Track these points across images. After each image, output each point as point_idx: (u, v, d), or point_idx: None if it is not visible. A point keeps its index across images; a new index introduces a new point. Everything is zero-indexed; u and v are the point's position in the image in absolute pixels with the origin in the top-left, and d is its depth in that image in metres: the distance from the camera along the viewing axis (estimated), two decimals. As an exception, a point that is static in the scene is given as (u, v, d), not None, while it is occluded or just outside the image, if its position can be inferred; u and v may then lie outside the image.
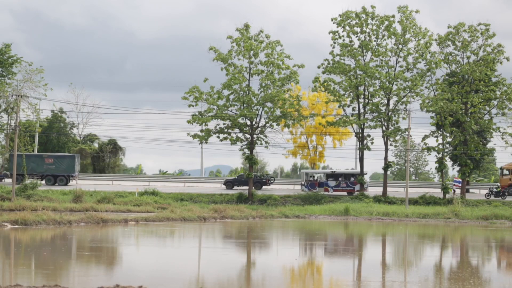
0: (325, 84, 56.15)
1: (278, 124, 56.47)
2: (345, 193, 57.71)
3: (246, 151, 55.92)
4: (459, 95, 55.26)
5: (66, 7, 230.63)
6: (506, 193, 57.73)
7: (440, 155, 57.04)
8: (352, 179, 58.63)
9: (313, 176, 60.42)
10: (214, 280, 21.88)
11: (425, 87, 56.22)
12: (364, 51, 55.92)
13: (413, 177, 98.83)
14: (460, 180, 58.79)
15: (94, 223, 38.72)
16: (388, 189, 58.03)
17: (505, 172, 61.27)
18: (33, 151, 65.73)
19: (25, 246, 30.20)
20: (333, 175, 59.41)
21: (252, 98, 54.31)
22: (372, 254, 31.31)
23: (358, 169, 59.55)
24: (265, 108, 54.77)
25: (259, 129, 55.64)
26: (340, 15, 55.85)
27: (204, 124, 54.37)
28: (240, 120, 54.96)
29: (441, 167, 57.22)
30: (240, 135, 55.59)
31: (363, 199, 53.75)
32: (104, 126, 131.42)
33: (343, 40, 56.21)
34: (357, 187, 57.45)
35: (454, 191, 60.95)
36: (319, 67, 56.62)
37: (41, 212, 40.03)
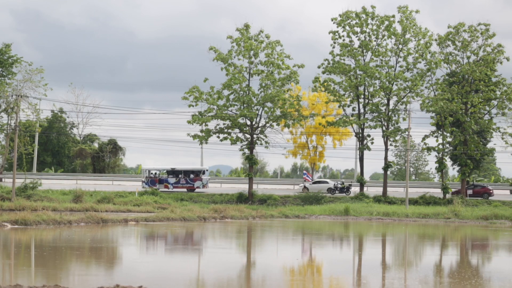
0: (325, 84, 56.17)
1: (278, 124, 56.50)
2: (184, 190, 58.22)
3: (246, 151, 55.97)
4: (459, 95, 55.26)
5: (66, 7, 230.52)
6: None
7: (440, 155, 57.05)
8: (191, 176, 59.38)
9: (155, 173, 60.65)
10: (214, 280, 21.87)
11: (425, 87, 56.29)
12: (364, 51, 55.94)
13: (413, 177, 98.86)
14: (307, 173, 59.85)
15: (94, 223, 38.71)
16: (388, 189, 58.09)
17: None
18: (33, 151, 65.71)
19: (25, 246, 30.19)
20: (173, 172, 60.10)
21: (252, 98, 54.32)
22: (371, 253, 31.34)
23: (198, 166, 61.52)
24: (265, 108, 54.81)
25: (259, 129, 55.66)
26: (340, 15, 55.90)
27: (204, 124, 54.40)
28: (240, 120, 55.00)
29: (441, 167, 57.23)
30: (240, 135, 55.65)
31: (363, 199, 53.78)
32: (104, 126, 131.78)
33: (343, 40, 56.24)
34: (197, 183, 58.69)
35: (305, 186, 60.90)
36: (319, 67, 56.70)
37: (41, 212, 40.04)
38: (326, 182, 61.12)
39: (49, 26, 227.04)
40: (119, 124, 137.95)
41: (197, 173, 59.86)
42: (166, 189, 58.83)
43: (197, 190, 58.89)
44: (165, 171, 60.96)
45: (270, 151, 67.78)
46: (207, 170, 61.17)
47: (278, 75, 54.83)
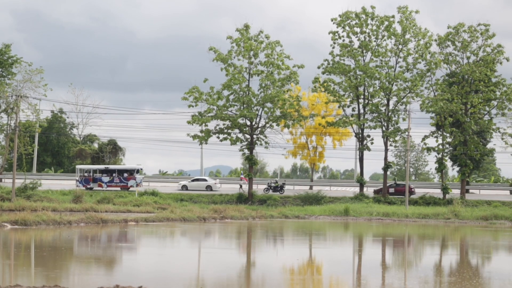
0: (325, 84, 56.17)
1: (278, 125, 56.47)
2: (118, 189, 58.49)
3: (246, 151, 55.95)
4: (459, 96, 55.23)
5: (66, 6, 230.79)
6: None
7: (440, 156, 57.04)
8: (125, 175, 59.82)
9: (88, 172, 60.91)
10: (214, 280, 21.88)
11: (425, 88, 56.23)
12: (364, 51, 55.94)
13: (413, 178, 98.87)
14: (243, 174, 61.61)
15: (94, 223, 38.70)
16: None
17: None
18: (32, 151, 65.72)
19: (25, 247, 30.19)
20: (107, 171, 60.49)
21: (252, 99, 54.32)
22: (371, 253, 31.37)
23: (131, 165, 62.76)
24: (265, 109, 54.80)
25: (259, 129, 55.65)
26: (340, 16, 55.88)
27: (204, 124, 54.41)
28: (240, 121, 54.99)
29: (441, 167, 57.22)
30: (240, 135, 55.63)
31: (363, 200, 53.77)
32: (104, 127, 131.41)
33: (343, 40, 56.23)
34: (131, 182, 59.09)
35: (241, 186, 61.43)
36: (319, 67, 56.68)
37: (41, 213, 40.01)
38: (205, 180, 62.96)
39: (49, 26, 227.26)
40: (119, 124, 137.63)
41: (131, 172, 59.95)
42: (100, 188, 58.83)
43: (131, 189, 58.63)
44: (98, 170, 61.14)
45: (270, 151, 67.90)
46: (141, 169, 61.96)
47: (278, 75, 54.81)
